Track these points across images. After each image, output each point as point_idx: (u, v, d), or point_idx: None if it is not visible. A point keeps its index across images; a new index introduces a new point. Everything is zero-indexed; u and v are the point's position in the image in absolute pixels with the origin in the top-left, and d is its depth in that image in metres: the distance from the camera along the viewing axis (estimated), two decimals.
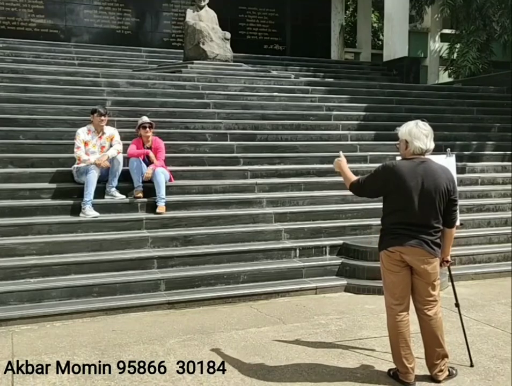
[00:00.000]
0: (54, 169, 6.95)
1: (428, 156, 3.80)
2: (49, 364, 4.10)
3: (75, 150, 6.73)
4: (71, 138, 7.51)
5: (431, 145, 3.75)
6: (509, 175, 9.18)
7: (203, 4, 11.58)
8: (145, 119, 7.24)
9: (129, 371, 3.99)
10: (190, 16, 11.46)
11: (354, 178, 3.89)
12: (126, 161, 6.95)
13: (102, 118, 6.80)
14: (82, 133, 6.81)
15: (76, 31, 14.87)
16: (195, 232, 6.50)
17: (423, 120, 3.80)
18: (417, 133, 3.72)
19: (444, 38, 16.04)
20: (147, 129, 7.09)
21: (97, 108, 6.86)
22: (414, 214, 3.64)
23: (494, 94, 12.39)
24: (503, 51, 14.11)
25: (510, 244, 7.43)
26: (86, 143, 6.77)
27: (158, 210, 6.61)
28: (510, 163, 9.53)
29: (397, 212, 3.69)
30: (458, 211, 3.84)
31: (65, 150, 7.30)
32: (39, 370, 4.00)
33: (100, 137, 6.86)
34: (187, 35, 11.47)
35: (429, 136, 3.73)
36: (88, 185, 6.37)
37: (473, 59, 13.51)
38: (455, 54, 14.55)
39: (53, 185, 6.72)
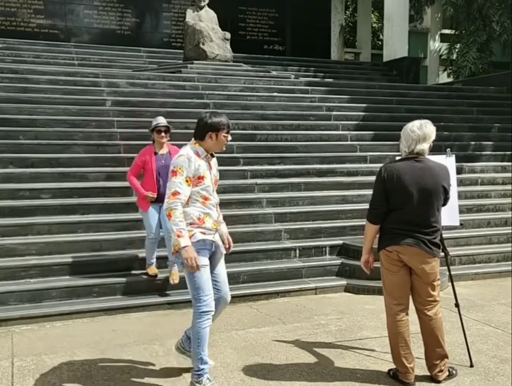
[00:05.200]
0: (54, 169, 6.95)
1: (427, 156, 3.79)
2: (49, 365, 4.10)
3: (169, 198, 3.60)
4: (71, 138, 7.56)
5: (418, 148, 3.67)
6: (508, 175, 9.19)
7: (203, 4, 11.59)
8: (161, 120, 5.68)
9: (129, 372, 3.99)
10: (190, 16, 11.47)
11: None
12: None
13: (230, 138, 3.85)
14: (193, 160, 3.67)
15: (76, 31, 14.88)
16: None
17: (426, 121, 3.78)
18: (406, 135, 3.72)
19: (443, 38, 16.05)
20: (163, 134, 5.62)
21: (227, 123, 3.78)
22: (412, 213, 3.64)
23: (493, 94, 12.39)
24: (502, 51, 14.12)
25: (510, 244, 7.43)
26: (200, 178, 3.68)
27: (171, 279, 5.60)
28: (509, 164, 9.54)
29: (395, 211, 3.69)
30: (449, 201, 3.83)
31: (65, 151, 7.31)
32: (39, 371, 4.00)
33: (210, 166, 3.83)
34: (186, 35, 11.47)
35: (416, 140, 3.66)
36: (202, 339, 3.67)
37: (472, 59, 13.52)
38: (455, 55, 14.56)
39: (53, 185, 6.71)
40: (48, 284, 5.42)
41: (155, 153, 5.64)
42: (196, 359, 3.64)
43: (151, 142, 5.80)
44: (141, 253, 6.05)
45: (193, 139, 3.78)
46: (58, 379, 3.87)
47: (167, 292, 5.68)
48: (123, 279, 5.65)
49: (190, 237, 3.57)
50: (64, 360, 4.19)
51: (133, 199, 6.80)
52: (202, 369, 3.63)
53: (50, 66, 10.65)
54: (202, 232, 3.65)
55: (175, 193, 3.57)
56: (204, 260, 3.64)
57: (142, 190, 5.59)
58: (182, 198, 3.57)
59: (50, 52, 12.81)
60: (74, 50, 13.40)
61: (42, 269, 5.58)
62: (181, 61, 11.74)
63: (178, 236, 3.51)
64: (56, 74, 9.27)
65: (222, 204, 6.96)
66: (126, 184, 6.93)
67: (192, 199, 3.65)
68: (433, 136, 3.73)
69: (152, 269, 5.70)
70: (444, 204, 3.81)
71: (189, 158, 3.63)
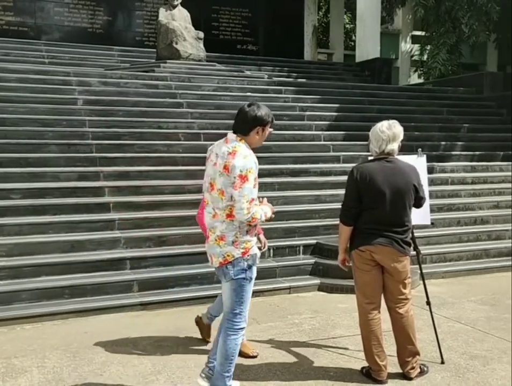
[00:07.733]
0: (24, 169, 6.82)
1: (397, 156, 3.84)
2: (19, 368, 4.03)
3: (247, 209, 3.40)
4: (41, 138, 7.43)
5: (389, 148, 3.73)
6: (477, 174, 9.37)
7: (176, 3, 11.52)
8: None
9: (101, 374, 3.95)
10: (163, 15, 11.39)
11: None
12: None
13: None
14: (254, 159, 3.61)
15: (46, 29, 14.63)
16: (169, 232, 6.45)
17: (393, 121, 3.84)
18: (376, 135, 3.77)
19: (415, 40, 16.28)
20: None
21: (272, 115, 3.58)
22: (384, 213, 3.68)
23: (463, 95, 12.62)
24: (471, 53, 14.40)
25: (479, 243, 7.58)
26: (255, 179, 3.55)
27: (253, 352, 4.33)
28: (479, 163, 9.74)
29: (368, 211, 3.73)
30: (423, 200, 3.89)
31: (35, 150, 7.18)
32: (9, 374, 3.93)
33: None
34: (159, 34, 11.39)
35: (387, 140, 3.72)
36: (235, 355, 3.45)
37: (442, 61, 13.78)
38: (425, 56, 14.79)
39: (23, 185, 6.58)
40: (18, 286, 5.31)
41: None
42: (225, 377, 3.39)
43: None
44: (113, 254, 5.99)
45: (235, 135, 3.51)
46: (29, 382, 3.81)
47: (139, 293, 5.62)
48: (95, 280, 5.57)
49: (248, 250, 3.44)
50: (34, 363, 4.12)
51: (106, 199, 6.72)
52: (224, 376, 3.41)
53: (20, 64, 10.44)
54: (256, 243, 3.55)
55: (252, 201, 3.41)
56: (255, 273, 3.48)
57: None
58: (256, 203, 3.44)
59: (19, 50, 12.55)
60: (45, 48, 13.16)
61: (11, 271, 5.47)
62: (153, 61, 11.64)
63: (266, 215, 3.55)
64: (26, 73, 9.10)
65: (196, 204, 6.97)
66: (98, 184, 6.86)
67: None
68: (401, 136, 3.80)
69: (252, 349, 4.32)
70: (419, 205, 3.86)
71: (252, 158, 3.45)
